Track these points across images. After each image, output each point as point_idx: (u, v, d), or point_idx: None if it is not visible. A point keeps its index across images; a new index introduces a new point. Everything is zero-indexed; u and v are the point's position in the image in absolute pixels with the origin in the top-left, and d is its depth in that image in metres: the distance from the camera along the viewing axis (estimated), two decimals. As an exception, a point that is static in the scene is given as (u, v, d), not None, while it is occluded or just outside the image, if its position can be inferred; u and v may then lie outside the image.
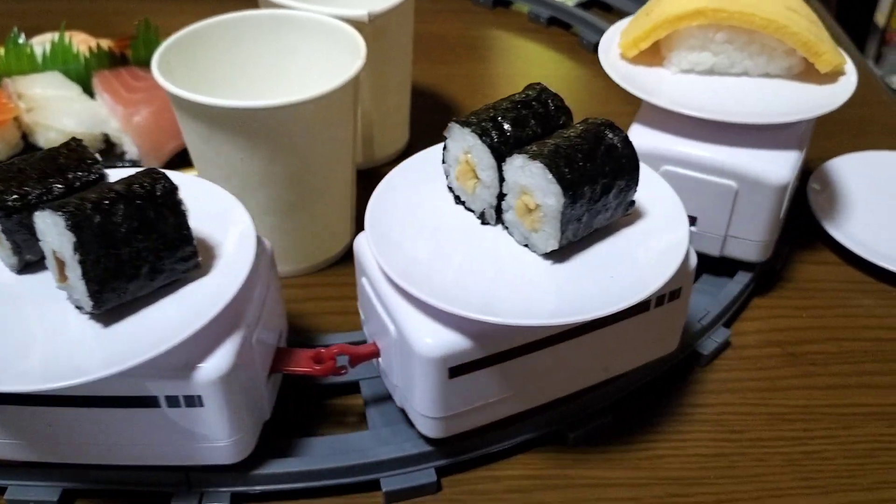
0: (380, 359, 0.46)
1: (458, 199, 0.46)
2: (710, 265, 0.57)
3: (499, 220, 0.45)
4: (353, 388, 0.50)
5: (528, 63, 0.91)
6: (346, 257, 0.61)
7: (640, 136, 0.53)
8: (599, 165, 0.41)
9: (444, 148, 0.46)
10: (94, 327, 0.39)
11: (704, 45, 0.55)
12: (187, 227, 0.40)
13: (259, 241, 0.43)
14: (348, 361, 0.45)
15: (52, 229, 0.37)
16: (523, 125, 0.44)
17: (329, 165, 0.55)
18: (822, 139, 0.67)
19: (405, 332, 0.41)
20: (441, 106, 0.79)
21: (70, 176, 0.40)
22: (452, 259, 0.43)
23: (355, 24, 0.57)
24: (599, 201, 0.42)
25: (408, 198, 0.46)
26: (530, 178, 0.41)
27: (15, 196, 0.39)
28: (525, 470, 0.47)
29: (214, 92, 0.50)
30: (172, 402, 0.40)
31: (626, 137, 0.43)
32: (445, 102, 0.80)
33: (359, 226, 0.46)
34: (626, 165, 0.42)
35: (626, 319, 0.44)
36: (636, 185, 0.43)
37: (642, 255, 0.43)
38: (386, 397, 0.48)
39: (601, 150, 0.42)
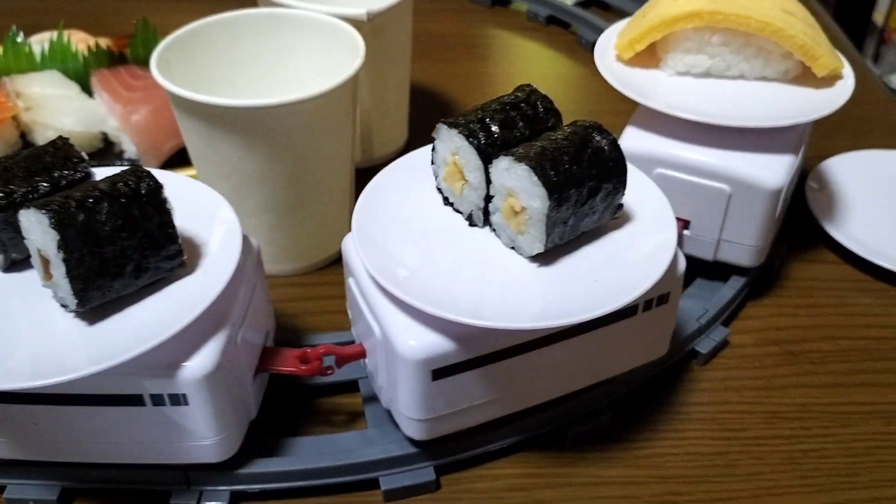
0: (367, 360, 0.46)
1: (446, 201, 0.46)
2: (705, 269, 0.57)
3: (486, 221, 0.45)
4: (353, 387, 0.50)
5: (526, 62, 0.91)
6: (345, 256, 0.61)
7: (635, 139, 0.53)
8: (586, 168, 0.41)
9: (433, 149, 0.46)
10: (79, 325, 0.39)
11: (700, 48, 0.54)
12: (172, 226, 0.40)
13: (245, 240, 0.44)
14: (335, 362, 0.45)
15: (36, 227, 0.37)
16: (511, 127, 0.44)
17: (328, 164, 0.55)
18: (821, 138, 0.67)
19: (389, 333, 0.40)
20: (440, 105, 0.79)
21: (56, 174, 0.40)
22: (439, 261, 0.43)
23: (354, 22, 0.57)
24: (586, 204, 0.42)
25: (396, 199, 0.46)
26: (516, 180, 0.41)
27: (0, 194, 0.39)
28: (524, 468, 0.47)
29: (213, 91, 0.50)
30: (157, 400, 0.40)
31: (614, 140, 0.42)
32: (444, 101, 0.80)
33: (357, 225, 0.46)
34: (613, 169, 0.42)
35: (613, 323, 0.44)
36: (624, 188, 0.43)
37: (629, 259, 0.43)
38: (382, 396, 0.48)
39: (588, 153, 0.41)
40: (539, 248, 0.41)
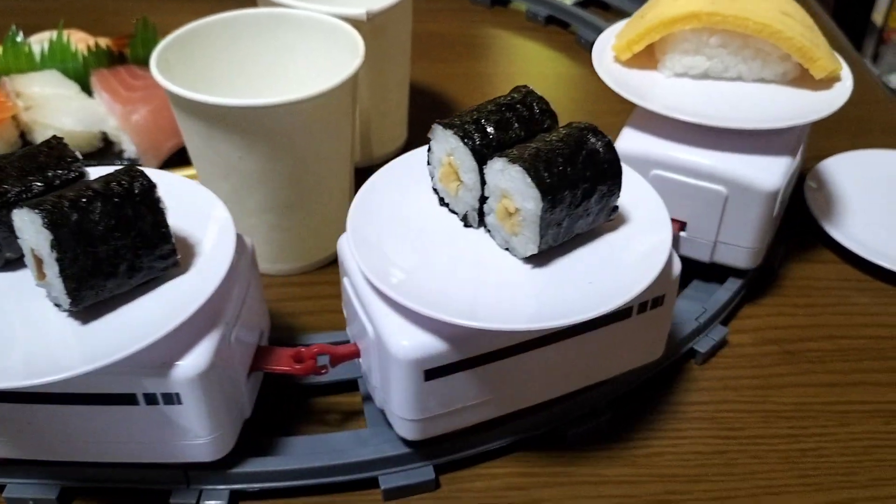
0: (361, 360, 0.46)
1: (442, 201, 0.46)
2: (702, 271, 0.57)
3: (481, 222, 0.45)
4: (354, 386, 0.50)
5: (526, 61, 0.91)
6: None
7: (632, 140, 0.53)
8: (580, 170, 0.41)
9: (429, 149, 0.46)
10: (72, 324, 0.39)
11: (698, 49, 0.54)
12: (165, 226, 0.40)
13: (239, 240, 0.44)
14: (329, 361, 0.45)
15: (29, 227, 0.38)
16: (506, 128, 0.44)
17: (327, 164, 0.55)
18: (820, 138, 0.67)
19: (382, 333, 0.41)
20: (439, 104, 0.79)
21: (50, 174, 0.40)
22: (432, 261, 0.43)
23: (354, 22, 0.57)
24: (580, 206, 0.41)
25: (392, 199, 0.46)
26: (510, 181, 0.41)
27: (-6, 194, 0.39)
28: (523, 467, 0.47)
29: (213, 90, 0.50)
30: (151, 399, 0.40)
31: (609, 142, 0.42)
32: (444, 101, 0.80)
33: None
34: (607, 171, 0.42)
35: (607, 326, 0.43)
36: (619, 190, 0.43)
37: (624, 261, 0.43)
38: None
39: (583, 155, 0.41)
40: (533, 249, 0.41)
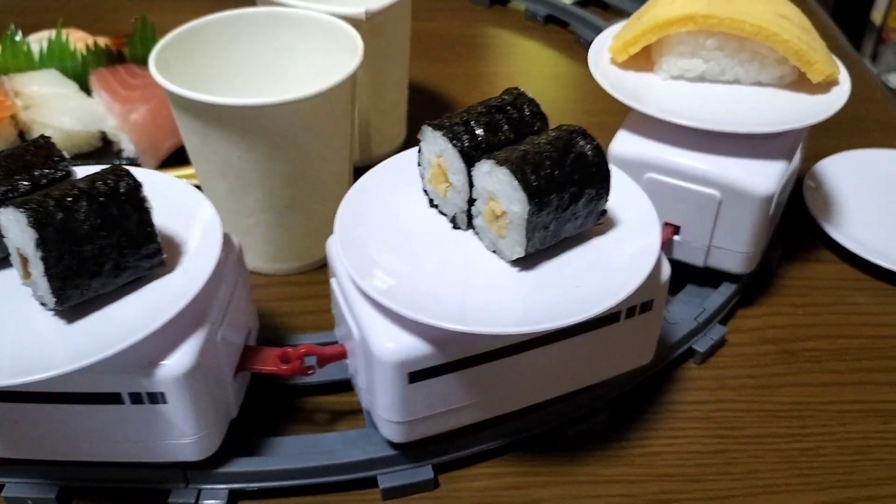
0: (349, 361, 0.46)
1: (431, 203, 0.46)
2: (696, 275, 0.56)
3: (470, 225, 0.44)
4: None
5: (525, 61, 0.90)
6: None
7: (626, 143, 0.53)
8: (568, 173, 0.41)
9: (419, 150, 0.46)
10: (58, 323, 0.39)
11: (695, 52, 0.54)
12: (151, 225, 0.40)
13: (226, 239, 0.44)
14: (316, 362, 0.45)
15: (14, 226, 0.38)
16: (496, 130, 0.43)
17: (326, 163, 0.55)
18: (819, 137, 0.67)
19: (367, 335, 0.40)
20: (438, 104, 0.79)
21: (36, 173, 0.40)
22: (420, 264, 0.42)
23: (353, 21, 0.57)
24: (568, 210, 0.41)
25: (382, 200, 0.46)
26: (497, 184, 0.41)
27: (-20, 193, 0.40)
28: (521, 467, 0.47)
29: (212, 89, 0.50)
30: (136, 398, 0.40)
31: (598, 146, 0.42)
32: (443, 100, 0.80)
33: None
34: (596, 174, 0.41)
35: (595, 330, 0.43)
36: (607, 194, 0.43)
37: (612, 265, 0.42)
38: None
39: (571, 158, 0.41)
40: (519, 252, 0.41)
